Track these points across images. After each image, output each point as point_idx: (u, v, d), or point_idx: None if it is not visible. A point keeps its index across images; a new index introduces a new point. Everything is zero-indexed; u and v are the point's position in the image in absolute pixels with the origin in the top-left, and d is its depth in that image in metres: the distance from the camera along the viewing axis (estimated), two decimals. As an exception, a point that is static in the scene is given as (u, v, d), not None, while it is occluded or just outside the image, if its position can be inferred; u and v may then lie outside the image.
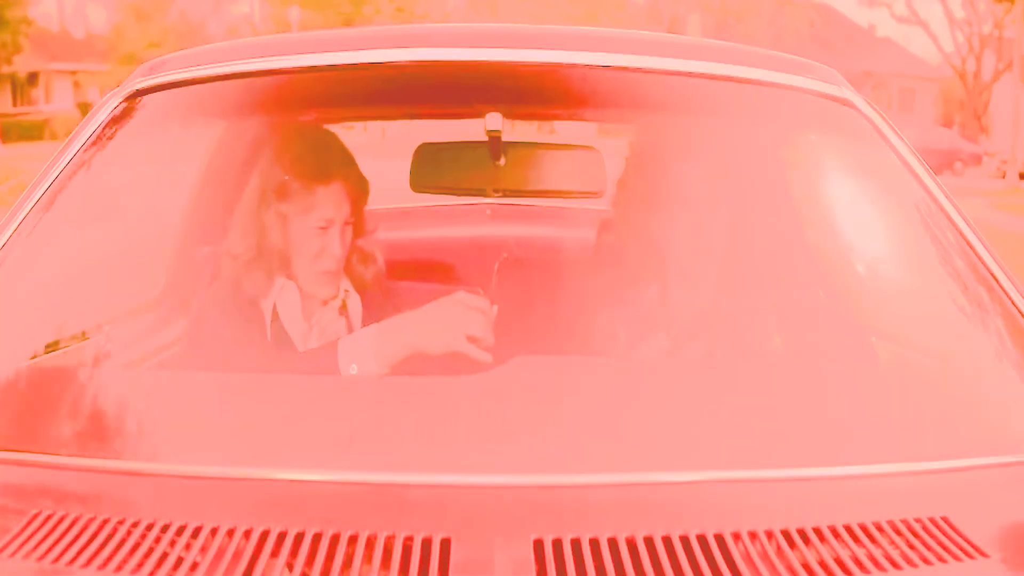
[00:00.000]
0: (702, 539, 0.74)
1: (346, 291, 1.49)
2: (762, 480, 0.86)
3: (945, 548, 0.76)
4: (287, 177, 1.42)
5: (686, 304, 1.33)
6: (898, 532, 0.78)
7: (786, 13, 31.74)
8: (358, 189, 1.47)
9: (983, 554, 0.76)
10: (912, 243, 1.31)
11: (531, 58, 1.25)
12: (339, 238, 1.42)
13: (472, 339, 1.20)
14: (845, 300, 1.31)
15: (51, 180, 1.21)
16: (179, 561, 0.72)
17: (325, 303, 1.47)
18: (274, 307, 1.44)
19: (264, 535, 0.74)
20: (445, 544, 0.73)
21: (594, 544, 0.73)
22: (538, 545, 0.73)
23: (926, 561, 0.74)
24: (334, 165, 1.44)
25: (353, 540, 0.73)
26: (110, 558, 0.72)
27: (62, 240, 1.24)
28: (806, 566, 0.73)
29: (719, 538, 0.75)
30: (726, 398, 0.99)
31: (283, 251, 1.42)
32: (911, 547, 0.76)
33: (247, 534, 0.74)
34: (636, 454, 0.88)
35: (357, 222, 1.48)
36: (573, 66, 1.24)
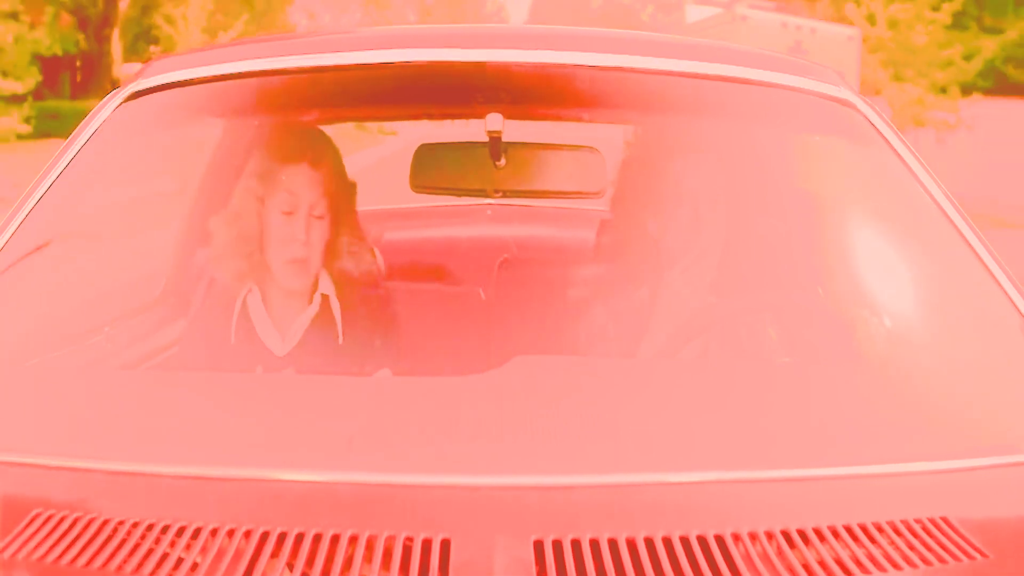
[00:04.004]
0: (702, 540, 0.74)
1: (324, 295, 1.44)
2: (762, 480, 0.86)
3: (945, 548, 0.76)
4: (263, 158, 1.42)
5: (686, 305, 1.33)
6: (898, 532, 0.78)
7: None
8: (332, 181, 1.43)
9: (983, 554, 0.76)
10: (911, 243, 1.31)
11: (532, 58, 1.26)
12: (305, 226, 1.39)
13: None
14: (844, 300, 1.31)
15: (52, 180, 1.21)
16: (179, 562, 0.72)
17: (300, 310, 1.43)
18: (244, 306, 1.41)
19: (264, 536, 0.74)
20: (445, 545, 0.72)
21: (594, 545, 0.73)
22: (538, 546, 0.73)
23: (926, 561, 0.74)
24: (306, 151, 1.42)
25: (353, 541, 0.73)
26: (110, 558, 0.72)
27: (62, 240, 1.24)
28: (806, 566, 0.73)
29: (719, 539, 0.74)
30: (726, 398, 0.99)
31: (259, 238, 1.41)
32: (911, 547, 0.76)
33: (247, 534, 0.74)
34: (636, 454, 0.88)
35: (336, 218, 1.44)
36: (574, 67, 1.24)
